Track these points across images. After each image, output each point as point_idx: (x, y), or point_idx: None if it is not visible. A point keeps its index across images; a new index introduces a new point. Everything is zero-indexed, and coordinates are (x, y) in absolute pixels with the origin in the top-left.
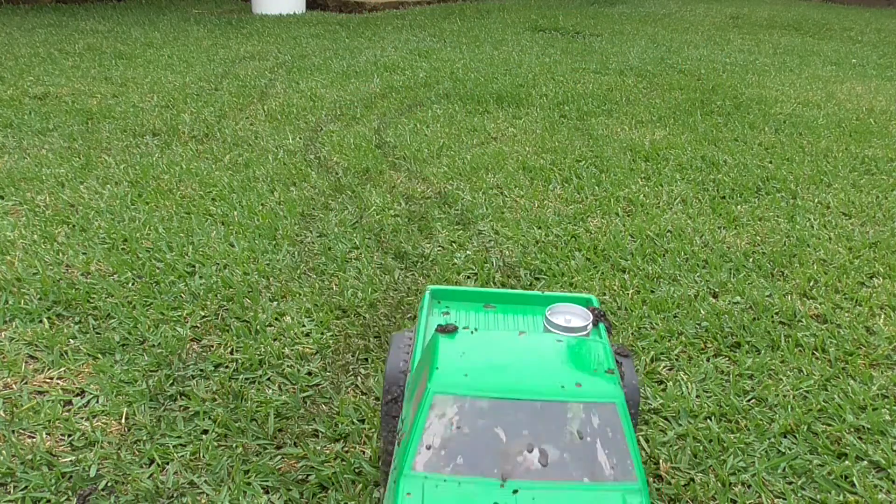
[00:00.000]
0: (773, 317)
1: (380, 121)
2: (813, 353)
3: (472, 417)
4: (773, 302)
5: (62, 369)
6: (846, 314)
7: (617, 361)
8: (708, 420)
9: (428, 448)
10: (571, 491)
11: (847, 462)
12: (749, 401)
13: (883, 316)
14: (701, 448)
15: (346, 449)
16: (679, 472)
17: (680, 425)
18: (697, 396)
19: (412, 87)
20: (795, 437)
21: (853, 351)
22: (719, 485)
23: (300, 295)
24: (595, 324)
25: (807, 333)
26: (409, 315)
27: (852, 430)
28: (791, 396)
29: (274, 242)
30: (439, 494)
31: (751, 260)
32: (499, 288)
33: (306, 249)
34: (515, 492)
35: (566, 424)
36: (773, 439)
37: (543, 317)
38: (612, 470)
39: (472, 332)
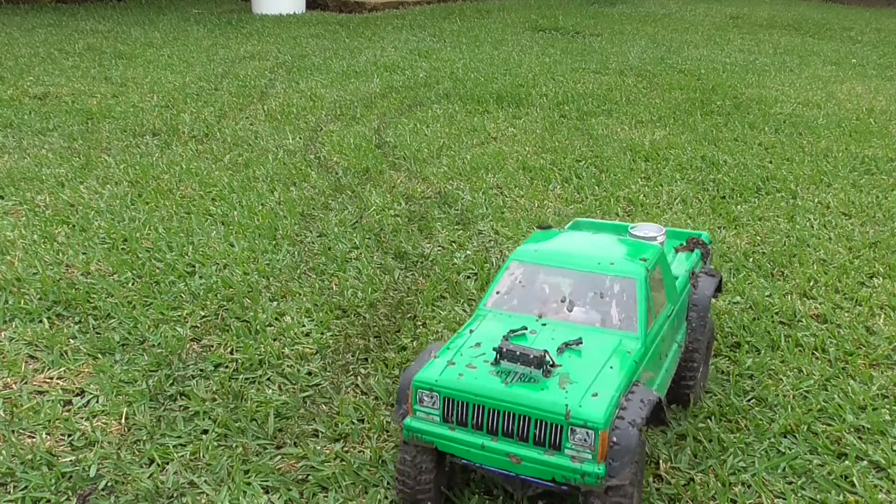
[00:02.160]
0: (773, 317)
1: (380, 121)
2: (813, 353)
3: (531, 276)
4: (773, 302)
5: (62, 369)
6: (846, 314)
7: (696, 276)
8: (708, 420)
9: (498, 293)
10: (582, 328)
11: (847, 462)
12: (749, 401)
13: (883, 316)
14: (701, 448)
15: (346, 449)
16: (679, 472)
17: (680, 425)
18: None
19: (412, 87)
20: (795, 437)
21: (853, 351)
22: (719, 485)
23: (300, 295)
24: (691, 249)
25: (807, 333)
26: (408, 315)
27: (852, 430)
28: (791, 396)
29: (274, 242)
30: (495, 320)
31: (751, 260)
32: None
33: (306, 249)
34: (544, 325)
35: (594, 288)
36: (773, 439)
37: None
38: (619, 322)
39: (562, 230)
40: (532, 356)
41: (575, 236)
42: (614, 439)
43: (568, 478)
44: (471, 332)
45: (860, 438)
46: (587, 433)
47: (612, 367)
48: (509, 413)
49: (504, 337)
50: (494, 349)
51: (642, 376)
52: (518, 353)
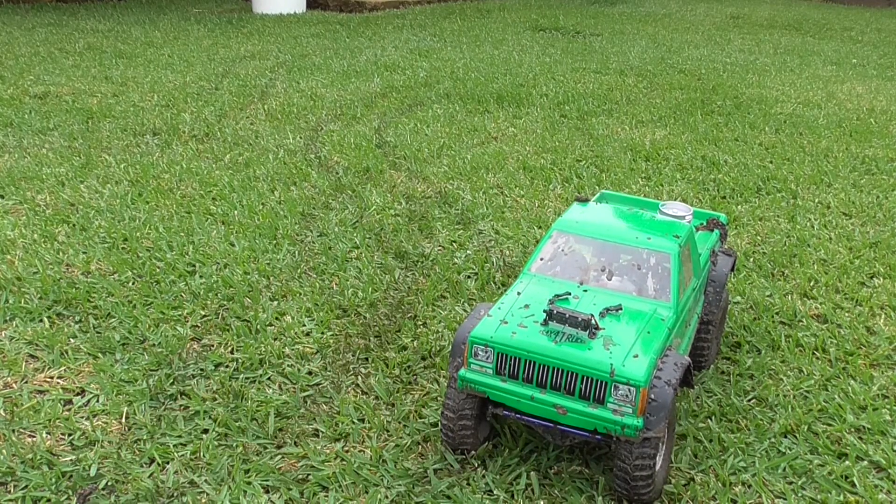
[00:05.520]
0: (773, 317)
1: (380, 120)
2: (813, 353)
3: (573, 246)
4: (774, 302)
5: (62, 368)
6: (846, 314)
7: (716, 254)
8: (708, 420)
9: (542, 259)
10: (621, 296)
11: (847, 462)
12: (749, 401)
13: (883, 316)
14: (701, 448)
15: (347, 448)
16: (679, 471)
17: (680, 425)
18: (697, 397)
19: (412, 87)
20: (795, 437)
21: (853, 351)
22: (719, 485)
23: (300, 294)
24: (711, 230)
25: (807, 333)
26: (409, 315)
27: (852, 430)
28: (791, 396)
29: (274, 242)
30: (539, 284)
31: (751, 260)
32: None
33: (307, 249)
34: (585, 291)
35: (631, 260)
36: (773, 439)
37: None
38: (654, 292)
39: (597, 204)
40: (580, 319)
41: (611, 210)
42: (652, 396)
43: (609, 429)
44: (518, 294)
45: (860, 438)
46: (629, 390)
47: (649, 333)
48: (558, 369)
49: (550, 301)
50: (544, 311)
51: (673, 342)
52: (567, 315)
